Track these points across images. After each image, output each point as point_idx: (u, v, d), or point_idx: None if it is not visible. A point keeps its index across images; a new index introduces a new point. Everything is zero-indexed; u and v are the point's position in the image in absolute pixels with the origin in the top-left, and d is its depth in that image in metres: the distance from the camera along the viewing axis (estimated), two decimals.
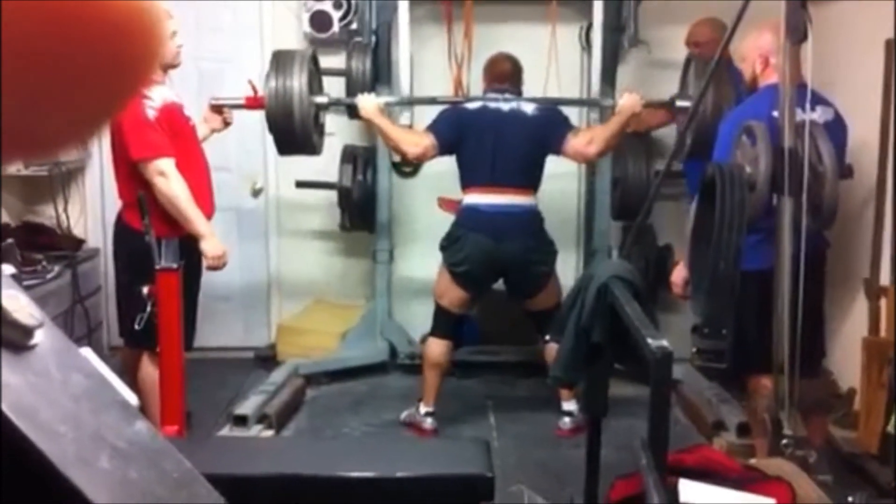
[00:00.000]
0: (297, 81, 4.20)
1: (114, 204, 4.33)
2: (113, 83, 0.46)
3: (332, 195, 5.19)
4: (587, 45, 5.25)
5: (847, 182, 3.70)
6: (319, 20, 5.34)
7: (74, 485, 0.72)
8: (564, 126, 4.34)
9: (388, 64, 5.16)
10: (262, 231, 5.75)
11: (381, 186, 5.22)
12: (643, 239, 4.93)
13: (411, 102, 4.76)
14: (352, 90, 5.05)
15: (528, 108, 4.36)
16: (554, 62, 4.90)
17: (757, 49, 3.75)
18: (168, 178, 3.72)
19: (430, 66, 5.21)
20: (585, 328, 3.00)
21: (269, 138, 4.46)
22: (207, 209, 3.93)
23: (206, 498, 0.89)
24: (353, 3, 5.31)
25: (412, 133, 4.44)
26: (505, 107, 4.35)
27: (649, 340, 2.22)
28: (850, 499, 3.34)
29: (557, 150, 4.31)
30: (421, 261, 5.38)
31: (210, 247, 3.88)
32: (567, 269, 5.13)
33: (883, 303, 4.06)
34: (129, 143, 3.71)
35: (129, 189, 3.80)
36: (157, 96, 3.74)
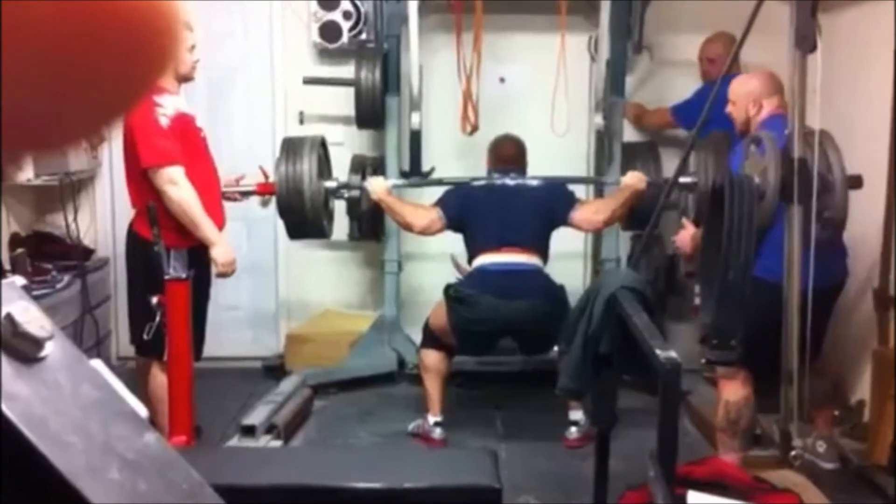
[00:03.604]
0: (307, 167, 4.28)
1: (124, 213, 4.35)
2: (129, 78, 0.47)
3: (341, 205, 5.19)
4: (596, 54, 5.26)
5: (856, 192, 3.69)
6: (329, 30, 5.36)
7: (84, 496, 0.73)
8: (569, 198, 4.47)
9: (397, 74, 5.18)
10: (272, 240, 5.76)
11: None
12: (652, 249, 4.93)
13: (420, 185, 4.86)
14: (361, 100, 5.08)
15: (534, 182, 4.52)
16: (563, 72, 4.91)
17: (748, 95, 3.82)
18: (178, 185, 3.74)
19: (440, 76, 5.22)
20: (594, 338, 3.00)
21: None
22: (218, 220, 3.94)
23: None
24: (362, 13, 5.33)
25: (419, 207, 4.54)
26: (511, 182, 4.50)
27: (658, 351, 2.22)
28: None
29: (564, 221, 4.41)
30: (430, 271, 5.39)
31: (220, 253, 3.89)
32: (575, 280, 5.14)
33: (892, 313, 4.04)
34: (141, 151, 3.72)
35: (141, 197, 3.81)
36: (169, 105, 3.76)
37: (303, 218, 4.37)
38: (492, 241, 4.33)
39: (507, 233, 4.31)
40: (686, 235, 4.08)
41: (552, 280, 4.36)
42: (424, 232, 4.48)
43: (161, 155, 3.74)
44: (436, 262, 5.26)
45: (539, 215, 4.39)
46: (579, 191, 4.84)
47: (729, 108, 3.92)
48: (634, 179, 4.42)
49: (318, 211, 4.37)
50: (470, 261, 4.45)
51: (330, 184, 4.51)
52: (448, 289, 4.38)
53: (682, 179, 4.35)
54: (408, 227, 4.52)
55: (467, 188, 4.54)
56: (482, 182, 4.55)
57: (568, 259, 5.28)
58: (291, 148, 4.38)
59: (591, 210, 4.45)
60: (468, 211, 4.41)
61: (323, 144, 4.55)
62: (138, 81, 0.48)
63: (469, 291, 4.29)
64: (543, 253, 4.41)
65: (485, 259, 4.35)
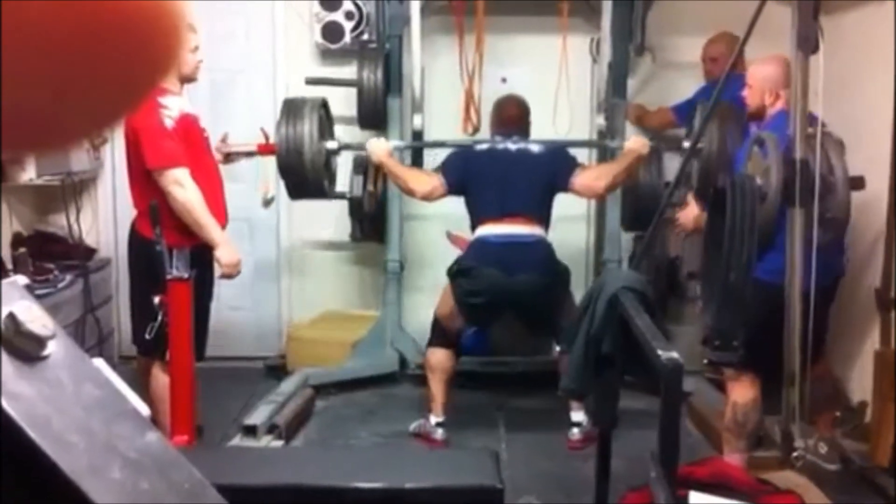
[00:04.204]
0: (308, 128, 4.27)
1: (126, 213, 4.35)
2: (132, 78, 0.47)
3: (343, 205, 5.20)
4: (598, 56, 5.27)
5: (859, 193, 3.69)
6: (331, 31, 5.36)
7: (86, 495, 0.73)
8: (571, 163, 4.41)
9: (399, 75, 5.18)
10: (274, 241, 5.77)
11: (392, 196, 5.23)
12: (653, 250, 4.93)
13: (421, 146, 4.83)
14: (363, 101, 5.08)
15: (536, 148, 4.46)
16: (564, 74, 4.91)
17: (766, 80, 3.78)
18: (184, 186, 3.74)
19: (442, 77, 5.22)
20: (596, 339, 3.00)
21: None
22: (221, 219, 3.95)
23: None
24: (364, 14, 5.34)
25: (421, 173, 4.53)
26: (513, 147, 4.44)
27: (660, 352, 2.22)
28: None
29: (565, 187, 4.35)
30: (431, 271, 5.39)
31: (225, 254, 3.89)
32: (577, 280, 5.12)
33: (894, 314, 4.03)
34: (146, 152, 3.72)
35: (144, 198, 3.81)
36: (174, 106, 3.76)
37: (303, 178, 4.36)
38: (493, 210, 4.30)
39: (509, 202, 4.28)
40: (690, 214, 4.06)
41: (553, 252, 4.35)
42: (427, 198, 4.46)
43: (166, 157, 3.74)
44: (438, 262, 5.26)
45: (540, 182, 4.35)
46: (583, 155, 4.79)
47: (745, 92, 3.89)
48: (637, 144, 4.39)
49: (319, 171, 4.36)
50: (472, 227, 4.42)
51: (331, 145, 4.50)
52: (451, 267, 4.39)
53: (686, 144, 4.38)
54: (410, 193, 4.49)
55: (469, 152, 4.49)
56: (484, 146, 4.51)
57: (572, 222, 5.26)
58: (292, 109, 4.38)
59: (592, 176, 4.39)
60: (470, 176, 4.37)
61: (324, 105, 4.53)
62: (142, 82, 0.48)
63: (471, 263, 4.30)
64: (545, 221, 4.38)
65: (486, 230, 4.32)
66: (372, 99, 5.08)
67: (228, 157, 4.38)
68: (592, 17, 5.19)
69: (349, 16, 5.35)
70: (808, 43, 3.35)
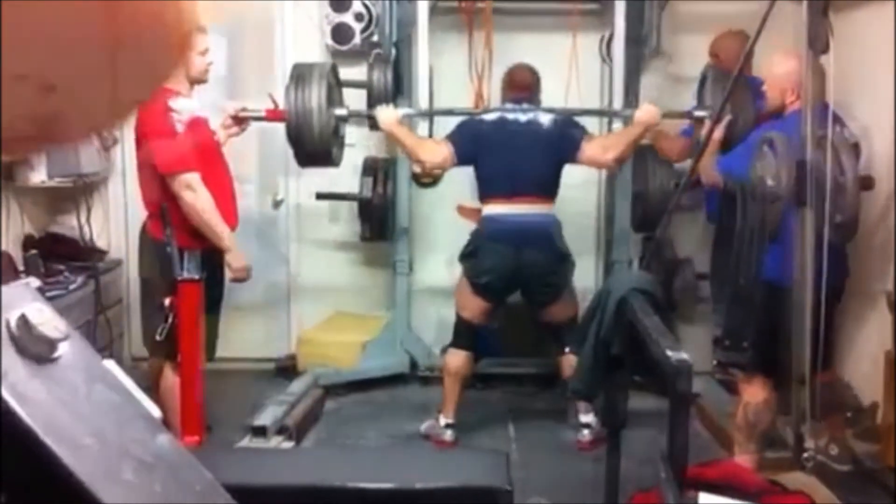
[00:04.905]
0: (317, 94, 4.23)
1: (136, 215, 4.36)
2: (138, 77, 0.47)
3: (353, 206, 5.20)
4: (608, 55, 5.24)
5: (868, 193, 3.67)
6: (341, 32, 5.36)
7: (99, 497, 0.73)
8: (579, 134, 4.35)
9: (408, 75, 5.18)
10: (283, 242, 5.77)
11: (401, 197, 5.23)
12: (662, 251, 4.91)
13: (430, 114, 4.78)
14: (373, 102, 5.07)
15: (545, 119, 4.38)
16: (574, 73, 4.90)
17: (786, 77, 3.72)
18: (194, 191, 3.75)
19: (451, 77, 5.21)
20: (605, 340, 3.00)
21: (290, 150, 4.48)
22: (231, 221, 3.96)
23: None
24: (374, 15, 5.34)
25: (430, 142, 4.48)
26: (522, 118, 4.38)
27: (669, 353, 2.22)
28: None
29: (573, 159, 4.32)
30: (440, 271, 5.39)
31: (235, 260, 3.90)
32: (586, 281, 5.13)
33: None
34: (157, 156, 3.74)
35: (154, 200, 3.83)
36: (184, 110, 3.77)
37: (312, 146, 4.31)
38: (503, 189, 4.29)
39: (519, 182, 4.26)
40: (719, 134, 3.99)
41: (560, 231, 4.35)
42: (436, 168, 4.46)
43: (177, 161, 3.75)
44: (447, 262, 5.26)
45: (549, 158, 4.32)
46: (592, 124, 4.74)
47: (765, 87, 3.85)
48: (648, 115, 4.32)
49: (328, 139, 4.32)
50: (480, 199, 4.41)
51: (340, 111, 4.47)
52: (463, 251, 4.40)
53: (697, 113, 4.38)
54: (419, 162, 4.49)
55: (478, 124, 4.44)
56: (494, 116, 4.45)
57: (581, 188, 5.25)
58: (301, 74, 4.34)
59: (599, 148, 4.34)
60: (479, 149, 4.34)
61: (334, 71, 4.51)
62: (147, 81, 0.48)
63: (480, 242, 4.32)
64: (553, 196, 4.37)
65: (496, 209, 4.32)
66: (382, 100, 5.06)
67: (241, 123, 4.35)
68: (603, 15, 5.17)
69: (359, 17, 5.35)
70: (818, 42, 3.34)
